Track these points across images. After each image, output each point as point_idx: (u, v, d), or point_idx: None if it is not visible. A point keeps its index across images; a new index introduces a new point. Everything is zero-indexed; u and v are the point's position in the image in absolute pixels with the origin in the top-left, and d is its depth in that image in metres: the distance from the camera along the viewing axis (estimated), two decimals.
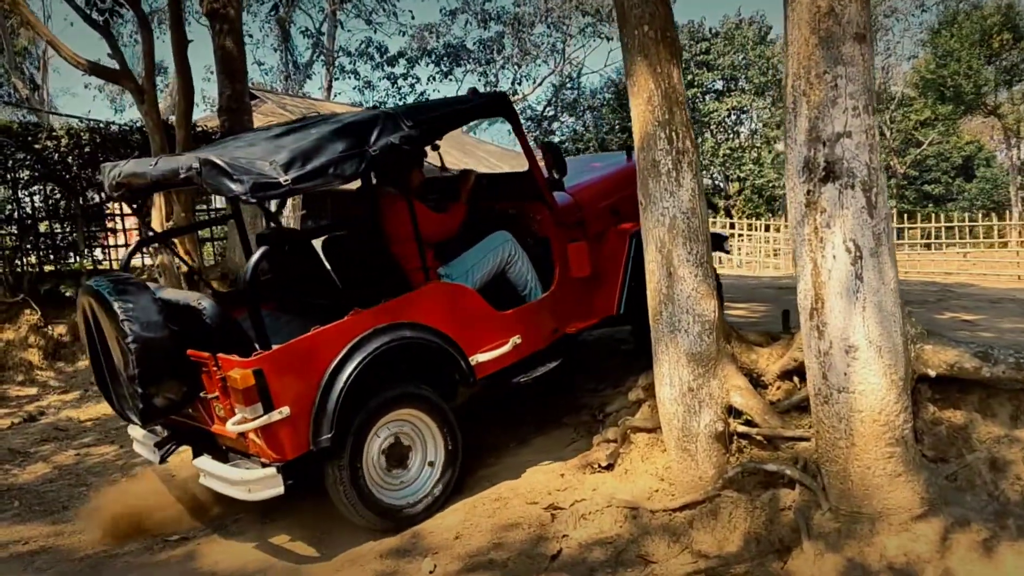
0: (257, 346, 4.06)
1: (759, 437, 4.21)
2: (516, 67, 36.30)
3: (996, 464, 3.64)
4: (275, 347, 4.07)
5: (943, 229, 22.10)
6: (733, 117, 45.15)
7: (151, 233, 5.53)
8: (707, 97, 45.47)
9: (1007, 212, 30.44)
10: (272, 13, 26.22)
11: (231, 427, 4.01)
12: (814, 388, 3.74)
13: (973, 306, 8.77)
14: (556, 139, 39.30)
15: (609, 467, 4.87)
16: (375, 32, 35.37)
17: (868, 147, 3.55)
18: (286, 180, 3.91)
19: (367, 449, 4.40)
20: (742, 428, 4.23)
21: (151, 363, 4.00)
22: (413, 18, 39.59)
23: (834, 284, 3.59)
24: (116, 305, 4.00)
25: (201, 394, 4.26)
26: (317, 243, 5.29)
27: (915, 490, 3.54)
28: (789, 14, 3.69)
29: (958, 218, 23.14)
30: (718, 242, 5.98)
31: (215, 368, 4.07)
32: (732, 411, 4.28)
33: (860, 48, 3.55)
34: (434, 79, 35.05)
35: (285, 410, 4.01)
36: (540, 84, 38.84)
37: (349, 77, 33.22)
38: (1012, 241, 26.66)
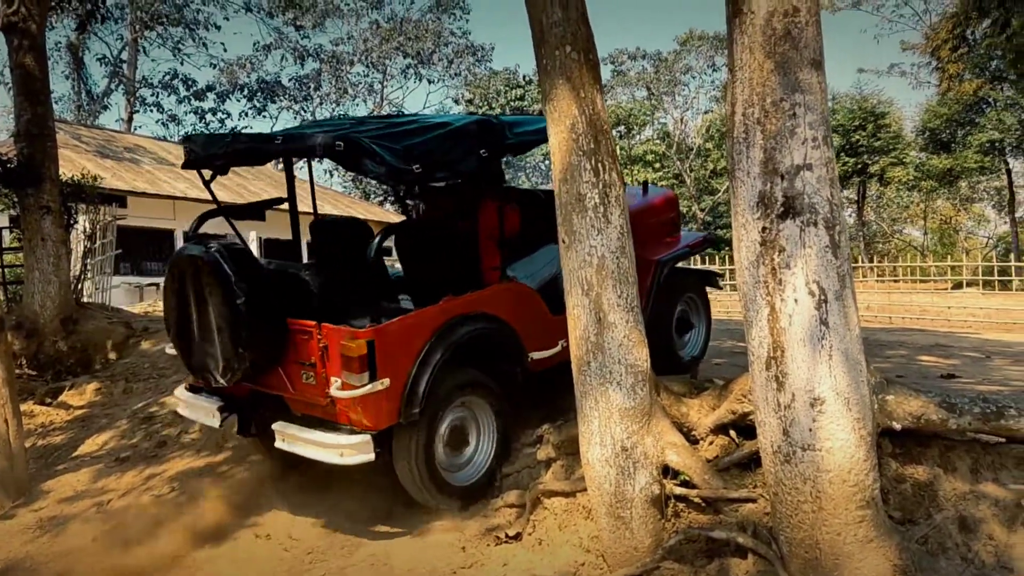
0: (369, 319, 4.31)
1: (697, 499, 3.81)
2: (334, 105, 35.38)
3: (966, 523, 3.43)
4: (384, 322, 4.32)
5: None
6: (547, 163, 46.32)
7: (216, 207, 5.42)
8: None
9: None
10: (77, 32, 23.81)
11: (335, 392, 4.22)
12: (771, 445, 3.38)
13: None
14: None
15: (517, 537, 4.31)
16: (182, 63, 33.30)
17: (829, 181, 3.28)
18: (417, 168, 4.31)
19: (440, 428, 4.64)
20: (679, 490, 3.82)
21: (256, 325, 4.36)
22: (225, 50, 37.63)
23: (796, 330, 3.27)
24: (228, 267, 4.38)
25: (293, 360, 4.49)
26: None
27: (887, 557, 3.24)
28: (738, 37, 3.38)
29: None
30: (713, 280, 6.82)
31: (318, 336, 4.33)
32: (667, 471, 3.86)
33: (817, 76, 3.30)
34: (246, 115, 33.43)
35: (386, 381, 4.24)
36: None
37: (151, 110, 31.00)
38: None
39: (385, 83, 37.47)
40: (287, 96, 34.53)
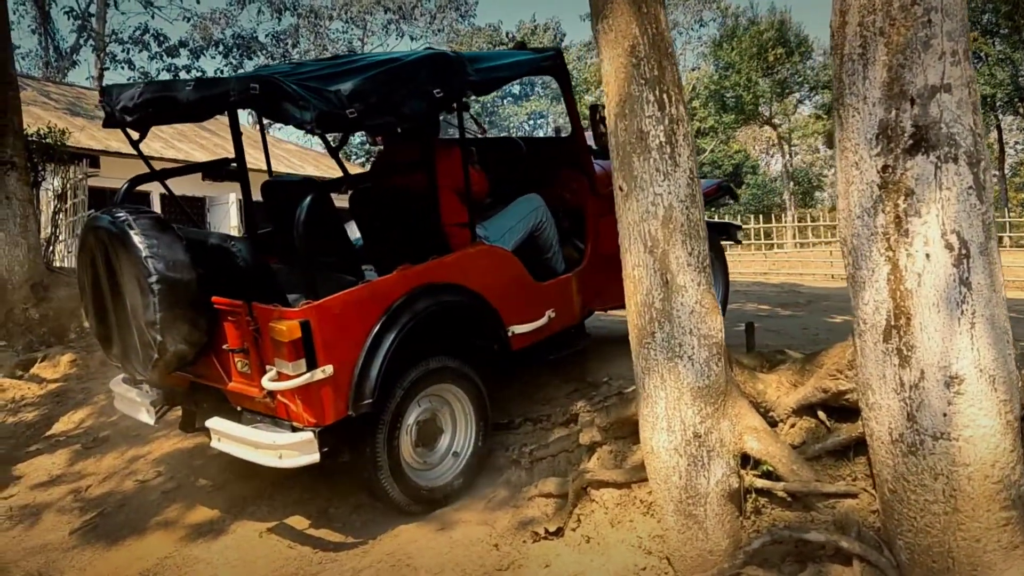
0: (304, 296, 3.67)
1: (783, 494, 3.21)
2: None
3: None
4: (323, 298, 3.68)
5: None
6: (532, 122, 45.58)
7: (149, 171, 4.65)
8: (505, 101, 45.62)
9: (782, 215, 32.60)
10: None
11: (267, 384, 3.63)
12: (890, 433, 2.78)
13: (847, 307, 8.46)
14: (357, 139, 37.62)
15: (558, 532, 3.72)
16: (152, 17, 31.89)
17: (971, 106, 2.63)
18: (352, 113, 3.60)
19: (405, 420, 4.06)
20: (761, 483, 3.21)
21: (174, 308, 3.70)
22: (198, 2, 36.19)
23: (927, 292, 2.64)
24: (138, 240, 3.66)
25: (224, 347, 3.88)
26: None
27: None
28: None
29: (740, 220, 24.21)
30: (732, 232, 6.07)
31: (248, 318, 3.69)
32: (745, 460, 3.26)
33: None
34: (222, 72, 32.21)
35: (328, 368, 3.65)
36: None
37: (122, 66, 29.76)
38: (787, 243, 28.50)
39: (366, 39, 36.35)
40: (264, 53, 33.34)
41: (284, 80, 3.53)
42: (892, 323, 2.72)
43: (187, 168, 5.03)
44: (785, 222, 30.74)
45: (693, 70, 38.35)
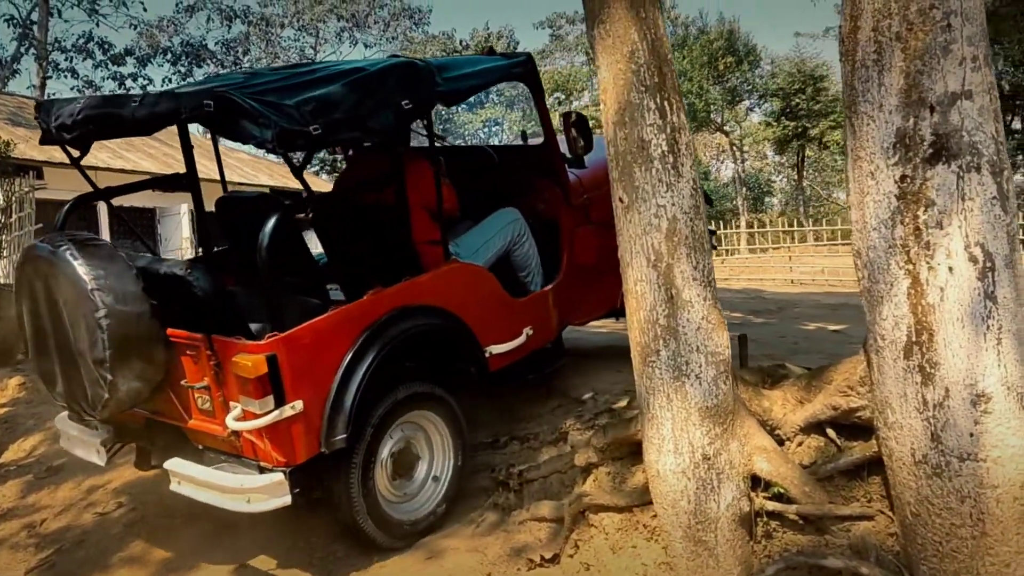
0: (270, 327, 3.44)
1: (794, 517, 3.08)
2: None
3: None
4: (289, 330, 3.43)
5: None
6: (487, 129, 45.46)
7: (93, 190, 4.35)
8: (460, 108, 45.43)
9: (733, 221, 32.92)
10: None
11: (232, 424, 3.38)
12: (912, 454, 2.66)
13: (817, 314, 8.47)
14: None
15: (554, 559, 3.55)
16: (97, 25, 31.04)
17: (993, 113, 2.54)
18: (316, 129, 3.34)
19: (379, 454, 3.84)
20: (772, 505, 3.08)
21: (125, 344, 3.40)
22: (145, 10, 35.23)
23: (950, 307, 2.54)
24: (83, 271, 3.37)
25: (183, 383, 3.63)
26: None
27: None
28: None
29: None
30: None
31: (208, 352, 3.45)
32: (755, 482, 3.13)
33: None
34: (170, 80, 31.48)
35: (298, 404, 3.41)
36: None
37: (66, 75, 28.86)
38: (742, 248, 28.73)
39: (318, 47, 35.82)
40: (214, 61, 32.66)
41: (240, 96, 3.26)
42: (914, 339, 2.61)
43: (134, 186, 4.68)
44: (739, 227, 31.05)
45: None
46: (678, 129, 3.07)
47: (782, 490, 3.08)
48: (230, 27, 32.25)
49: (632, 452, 3.57)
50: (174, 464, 3.69)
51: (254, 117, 3.24)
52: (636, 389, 3.22)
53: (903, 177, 2.59)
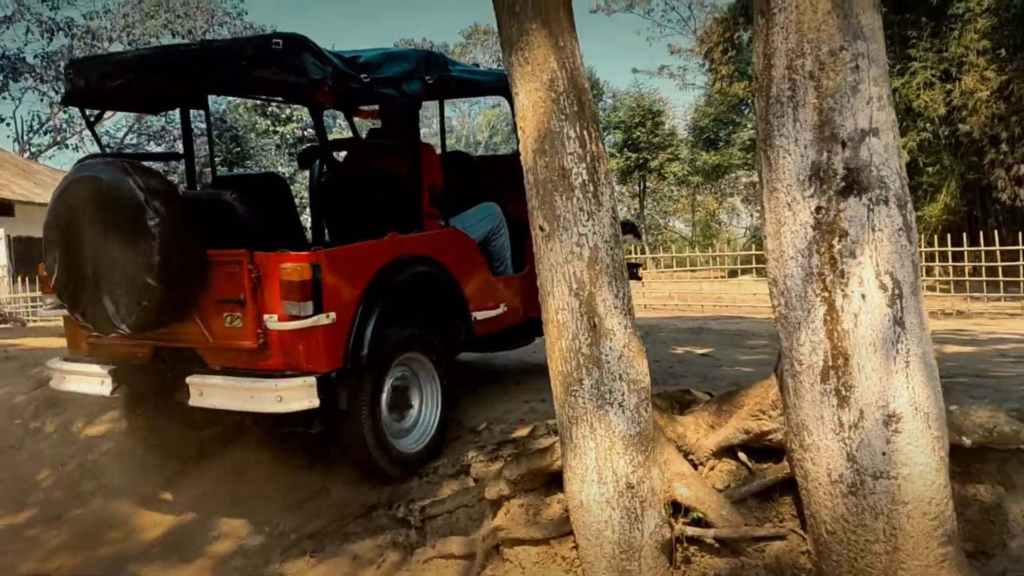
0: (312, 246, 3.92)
1: (712, 541, 3.14)
2: None
3: None
4: (329, 248, 3.94)
5: None
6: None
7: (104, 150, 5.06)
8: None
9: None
10: None
11: (274, 325, 3.71)
12: (828, 474, 2.78)
13: (681, 338, 8.77)
14: None
15: None
16: None
17: (896, 150, 2.71)
18: (364, 78, 4.02)
19: (385, 384, 4.20)
20: (692, 531, 3.12)
21: (172, 252, 3.68)
22: None
23: (864, 333, 2.67)
24: (138, 182, 3.68)
25: (216, 299, 3.87)
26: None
27: None
28: None
29: None
30: (635, 272, 6.21)
31: (249, 266, 3.75)
32: (674, 507, 3.17)
33: (879, 20, 2.72)
34: None
35: (332, 315, 3.78)
36: None
37: None
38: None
39: None
40: (33, 75, 30.42)
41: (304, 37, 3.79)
42: (830, 363, 2.73)
43: (139, 156, 5.18)
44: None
45: (493, 107, 39.24)
46: (598, 158, 3.09)
47: (701, 515, 3.13)
48: (51, 39, 30.20)
49: (546, 483, 3.54)
50: (194, 378, 3.90)
51: (319, 55, 3.78)
52: (557, 418, 3.19)
53: (819, 208, 2.72)
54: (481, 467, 3.99)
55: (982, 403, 3.01)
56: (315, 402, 3.68)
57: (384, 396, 4.17)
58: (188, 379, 3.90)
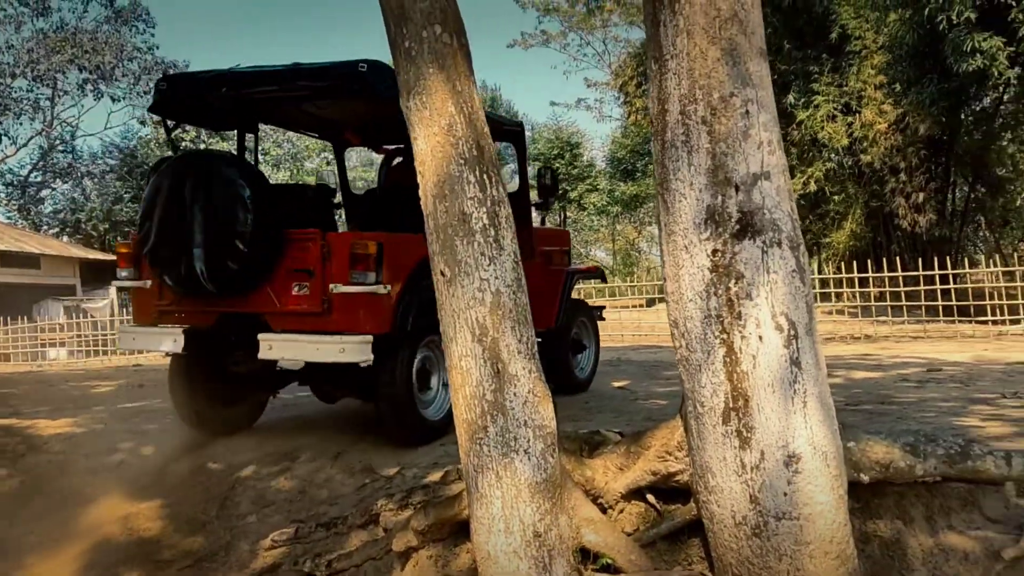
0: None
1: None
2: None
3: None
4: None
5: None
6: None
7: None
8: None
9: None
10: None
11: (341, 288, 4.47)
12: (733, 516, 2.78)
13: (598, 370, 8.80)
14: (49, 208, 33.94)
15: None
16: None
17: (787, 193, 2.77)
18: (362, 67, 4.57)
19: (415, 360, 4.90)
20: None
21: (262, 224, 4.52)
22: None
23: (762, 374, 2.70)
24: (236, 167, 4.71)
25: (286, 271, 4.62)
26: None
27: None
28: (668, 19, 2.78)
29: None
30: (599, 314, 7.27)
31: (321, 243, 4.55)
32: (583, 553, 3.12)
33: (766, 68, 2.78)
34: None
35: (389, 287, 4.55)
36: (25, 145, 33.11)
37: None
38: None
39: (57, 99, 33.02)
40: None
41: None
42: (731, 405, 2.74)
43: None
44: None
45: None
46: (498, 202, 3.07)
47: (610, 560, 3.09)
48: None
49: (454, 532, 3.46)
50: (263, 336, 4.61)
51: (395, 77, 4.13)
52: (463, 467, 3.12)
53: (715, 251, 2.74)
54: (390, 516, 3.88)
55: (878, 437, 3.05)
56: (370, 357, 4.40)
57: (415, 365, 4.88)
58: (260, 335, 4.58)
